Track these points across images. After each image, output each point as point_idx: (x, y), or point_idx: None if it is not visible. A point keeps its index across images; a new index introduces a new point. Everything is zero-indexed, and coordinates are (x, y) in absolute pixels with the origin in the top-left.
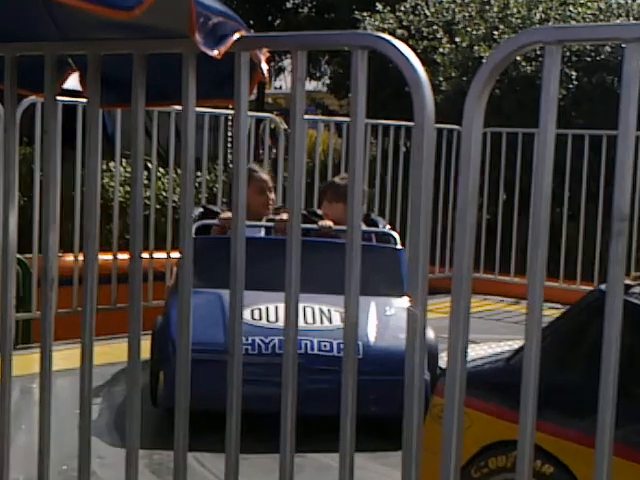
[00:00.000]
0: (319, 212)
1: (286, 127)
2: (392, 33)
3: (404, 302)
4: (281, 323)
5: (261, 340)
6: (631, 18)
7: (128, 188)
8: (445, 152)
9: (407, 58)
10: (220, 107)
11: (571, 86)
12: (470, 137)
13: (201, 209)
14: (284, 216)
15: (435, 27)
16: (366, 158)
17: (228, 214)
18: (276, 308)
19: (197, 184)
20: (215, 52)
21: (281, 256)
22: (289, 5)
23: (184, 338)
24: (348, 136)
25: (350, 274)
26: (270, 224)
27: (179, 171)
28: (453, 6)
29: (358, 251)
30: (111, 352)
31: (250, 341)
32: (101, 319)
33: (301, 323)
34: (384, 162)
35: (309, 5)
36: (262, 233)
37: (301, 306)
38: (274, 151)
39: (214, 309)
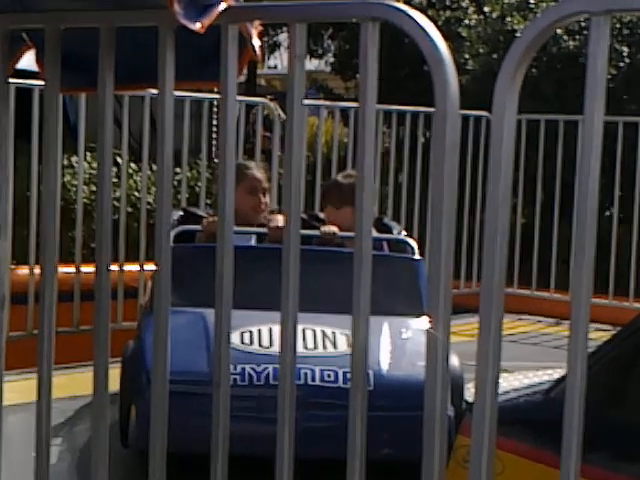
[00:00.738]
0: (321, 216)
1: (282, 114)
2: (408, 2)
3: (423, 323)
4: (276, 348)
5: (252, 369)
6: None
7: (94, 187)
8: (472, 144)
9: (426, 31)
10: (203, 91)
11: (622, 64)
12: (502, 126)
13: (181, 212)
14: (279, 221)
15: None
16: (377, 151)
17: (215, 218)
18: (270, 330)
19: (176, 182)
20: (197, 25)
21: (276, 268)
22: None
23: (160, 366)
24: (356, 125)
25: (359, 289)
26: (263, 230)
27: (154, 167)
28: None
29: (368, 262)
30: (73, 384)
31: (239, 370)
32: (61, 344)
33: (300, 348)
34: (399, 156)
35: None
36: (253, 241)
37: (300, 328)
38: (269, 140)
39: (196, 332)
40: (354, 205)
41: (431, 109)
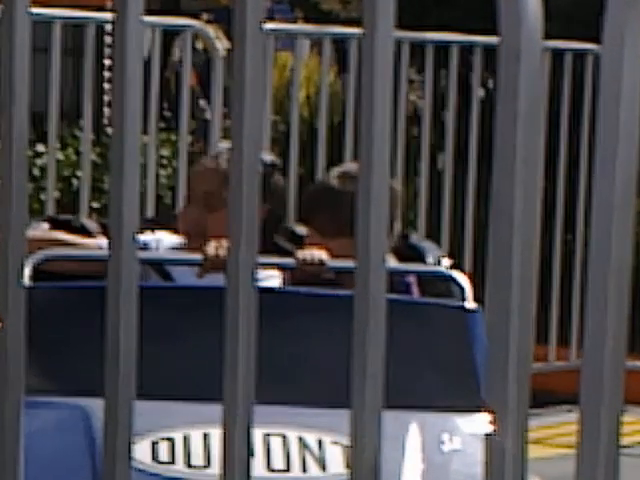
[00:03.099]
0: (299, 232)
1: (226, 45)
2: None
3: (480, 423)
4: (216, 470)
5: None
6: None
7: None
8: (569, 97)
9: None
10: (87, 7)
11: None
12: (619, 67)
13: (46, 224)
14: (223, 243)
15: None
16: (400, 114)
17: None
18: (205, 438)
19: (37, 170)
20: None
21: (216, 327)
22: None
23: None
24: (360, 68)
25: (364, 363)
26: (195, 258)
27: None
28: None
29: (381, 314)
30: None
31: None
32: None
33: (260, 470)
34: (436, 124)
35: None
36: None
37: (260, 433)
38: (201, 101)
39: (72, 440)
40: (353, 235)
41: (493, 39)
